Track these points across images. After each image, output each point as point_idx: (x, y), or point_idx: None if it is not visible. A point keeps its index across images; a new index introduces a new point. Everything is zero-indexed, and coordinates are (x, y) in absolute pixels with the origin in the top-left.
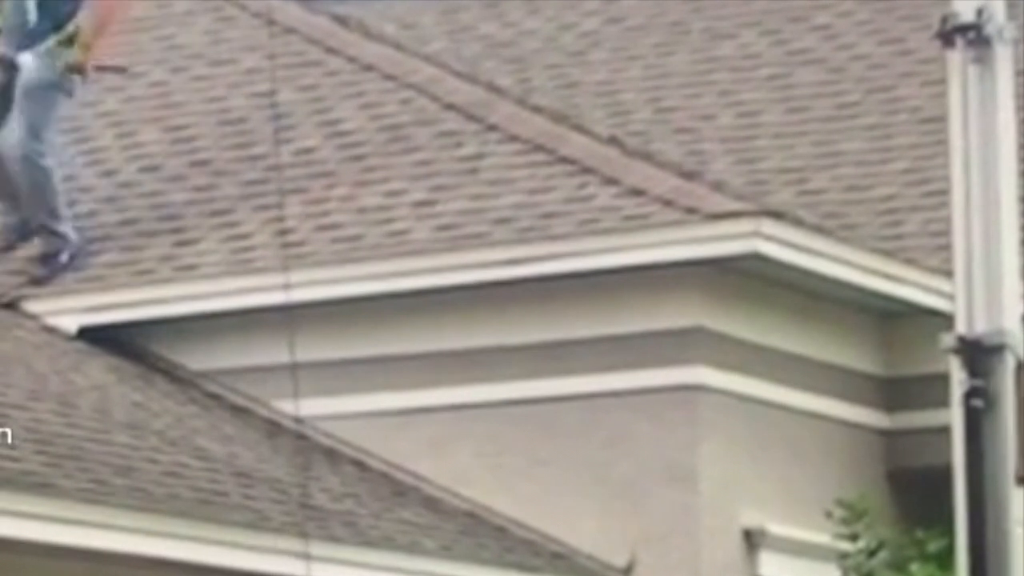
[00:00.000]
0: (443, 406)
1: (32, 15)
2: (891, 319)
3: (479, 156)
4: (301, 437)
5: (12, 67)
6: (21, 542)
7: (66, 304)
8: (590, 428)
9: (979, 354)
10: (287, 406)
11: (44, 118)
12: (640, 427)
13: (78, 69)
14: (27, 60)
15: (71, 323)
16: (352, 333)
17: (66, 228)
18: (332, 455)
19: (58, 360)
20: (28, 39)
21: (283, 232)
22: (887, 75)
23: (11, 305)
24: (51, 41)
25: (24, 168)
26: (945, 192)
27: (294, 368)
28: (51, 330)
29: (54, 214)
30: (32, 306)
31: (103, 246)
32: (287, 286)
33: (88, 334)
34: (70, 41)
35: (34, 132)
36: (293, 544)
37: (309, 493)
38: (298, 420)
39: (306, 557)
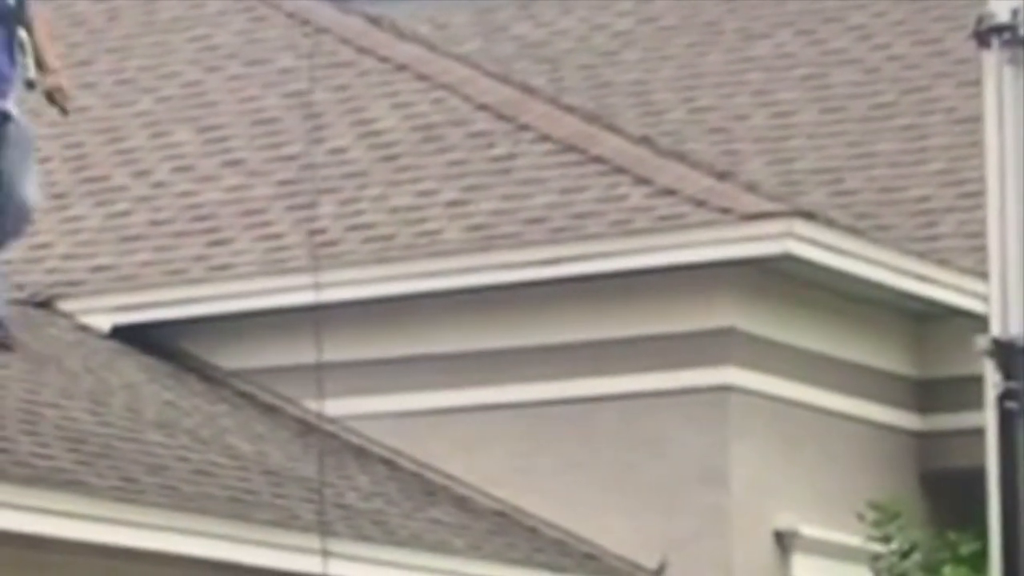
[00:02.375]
0: (475, 406)
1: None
2: (924, 321)
3: (511, 156)
4: (320, 432)
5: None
6: (52, 539)
7: (99, 303)
8: (621, 429)
9: (1013, 356)
10: (318, 405)
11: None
12: (672, 428)
13: (60, 97)
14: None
15: (104, 322)
16: (384, 333)
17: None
18: (363, 455)
19: (91, 359)
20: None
21: (314, 232)
22: (922, 75)
23: (45, 304)
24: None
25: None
26: (980, 193)
27: (319, 367)
28: (84, 329)
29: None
30: (65, 305)
31: (136, 246)
32: (317, 285)
33: (121, 333)
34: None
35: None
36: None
37: (324, 490)
38: (320, 417)
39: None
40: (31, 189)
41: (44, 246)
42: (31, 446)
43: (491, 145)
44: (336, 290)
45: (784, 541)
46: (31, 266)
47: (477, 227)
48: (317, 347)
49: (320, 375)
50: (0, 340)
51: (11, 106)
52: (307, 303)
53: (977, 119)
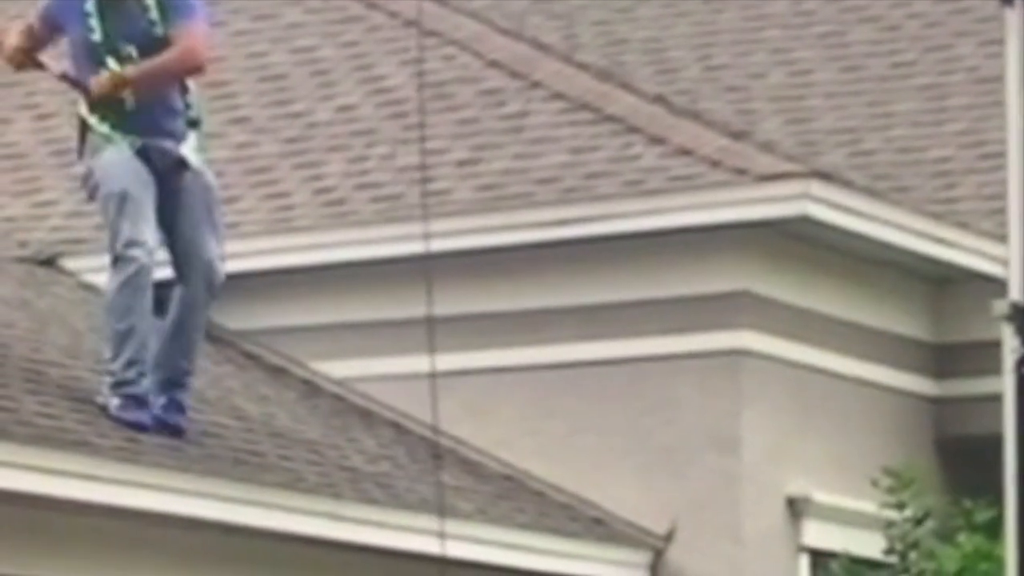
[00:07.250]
0: (484, 369)
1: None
2: (942, 284)
3: (523, 114)
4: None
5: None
6: (56, 499)
7: (104, 261)
8: (632, 393)
9: None
10: (325, 367)
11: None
12: (684, 392)
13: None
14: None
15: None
16: (392, 294)
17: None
18: (369, 417)
19: (95, 317)
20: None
21: (424, 180)
22: (943, 33)
23: (49, 262)
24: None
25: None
26: (1001, 154)
27: (430, 321)
28: (88, 287)
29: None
30: (69, 263)
31: None
32: (427, 236)
33: None
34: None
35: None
36: (328, 505)
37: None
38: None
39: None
40: (214, 247)
41: (48, 203)
42: (35, 405)
43: (502, 103)
44: (343, 250)
45: (796, 507)
46: (35, 223)
47: (487, 187)
48: (428, 299)
49: (431, 330)
50: (173, 424)
51: (188, 152)
52: (315, 263)
53: (999, 79)
